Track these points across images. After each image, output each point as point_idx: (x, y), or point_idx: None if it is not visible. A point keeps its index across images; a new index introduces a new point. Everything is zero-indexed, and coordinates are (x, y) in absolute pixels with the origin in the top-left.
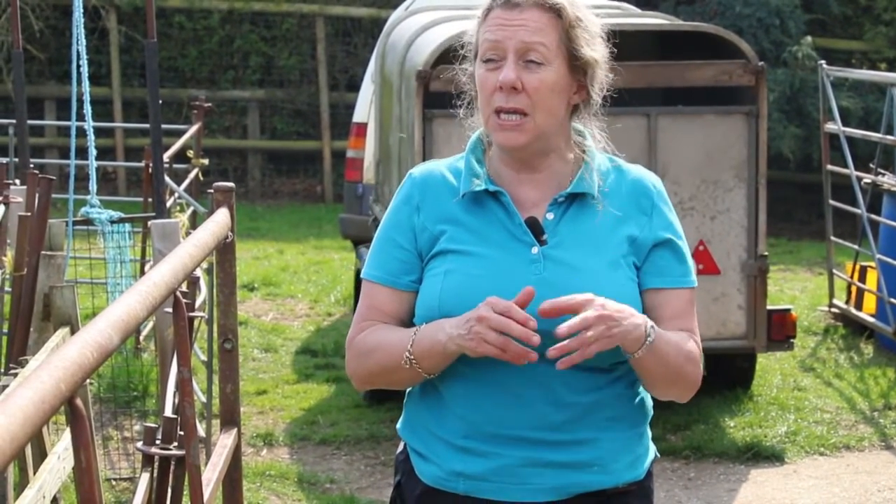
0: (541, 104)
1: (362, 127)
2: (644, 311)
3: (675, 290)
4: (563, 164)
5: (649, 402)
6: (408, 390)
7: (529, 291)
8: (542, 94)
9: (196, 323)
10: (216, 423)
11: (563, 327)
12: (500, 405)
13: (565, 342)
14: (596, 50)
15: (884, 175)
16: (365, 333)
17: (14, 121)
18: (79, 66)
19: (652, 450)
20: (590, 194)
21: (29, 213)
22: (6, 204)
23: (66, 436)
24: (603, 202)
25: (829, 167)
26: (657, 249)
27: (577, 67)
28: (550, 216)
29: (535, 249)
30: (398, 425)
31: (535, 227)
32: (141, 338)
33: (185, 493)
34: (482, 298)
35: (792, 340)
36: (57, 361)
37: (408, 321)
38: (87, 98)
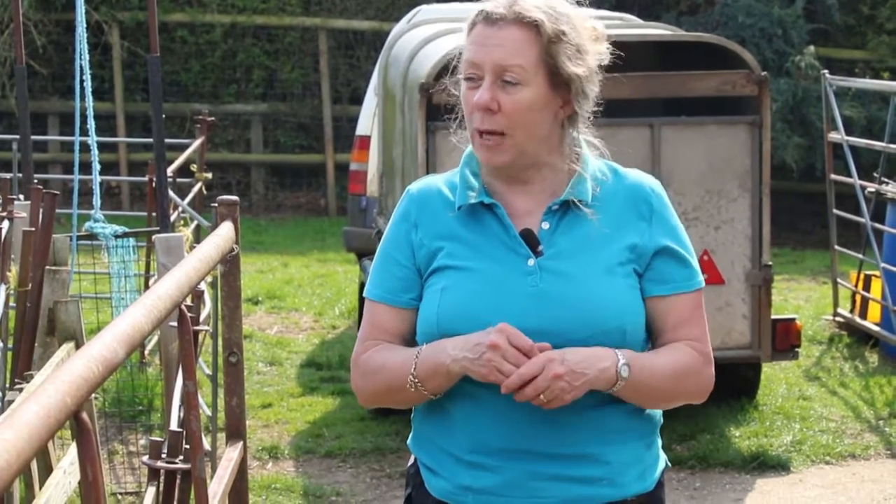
0: (519, 123)
1: (365, 140)
2: (649, 320)
3: (679, 296)
4: (558, 174)
5: (658, 412)
6: (414, 406)
7: (544, 349)
8: (519, 114)
9: (201, 336)
10: (221, 436)
11: (519, 397)
12: (506, 422)
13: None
14: (581, 64)
15: (887, 184)
16: (370, 353)
17: (18, 136)
18: (82, 82)
19: (662, 459)
20: (584, 201)
21: (33, 229)
22: (10, 219)
23: (72, 450)
24: (594, 209)
25: (833, 176)
26: (659, 256)
27: (560, 83)
28: (546, 225)
29: (531, 261)
30: (408, 441)
31: (531, 239)
32: (146, 352)
33: None
34: (479, 315)
35: (797, 350)
36: (62, 376)
37: (410, 339)
38: (90, 113)
